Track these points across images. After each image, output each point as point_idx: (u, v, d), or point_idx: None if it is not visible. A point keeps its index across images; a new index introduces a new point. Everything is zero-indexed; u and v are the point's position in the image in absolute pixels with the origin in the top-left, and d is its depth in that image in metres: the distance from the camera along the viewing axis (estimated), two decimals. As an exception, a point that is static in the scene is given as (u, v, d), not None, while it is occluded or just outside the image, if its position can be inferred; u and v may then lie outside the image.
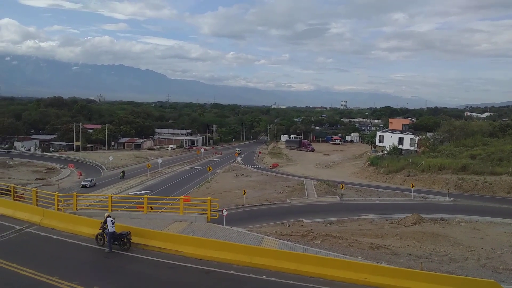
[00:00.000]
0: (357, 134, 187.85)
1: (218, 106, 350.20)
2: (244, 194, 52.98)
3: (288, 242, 23.37)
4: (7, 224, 21.34)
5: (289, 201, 54.63)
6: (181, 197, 25.03)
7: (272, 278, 16.21)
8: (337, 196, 56.32)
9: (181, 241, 18.58)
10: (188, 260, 17.64)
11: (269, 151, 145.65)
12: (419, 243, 30.97)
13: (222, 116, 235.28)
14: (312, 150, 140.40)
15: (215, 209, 25.63)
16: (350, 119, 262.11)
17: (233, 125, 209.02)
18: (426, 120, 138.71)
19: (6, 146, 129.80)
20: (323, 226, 39.66)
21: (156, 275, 16.36)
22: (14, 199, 24.60)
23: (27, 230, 20.75)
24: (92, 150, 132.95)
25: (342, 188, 57.59)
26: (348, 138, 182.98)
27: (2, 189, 26.68)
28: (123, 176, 79.73)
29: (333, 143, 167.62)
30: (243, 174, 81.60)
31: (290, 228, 37.25)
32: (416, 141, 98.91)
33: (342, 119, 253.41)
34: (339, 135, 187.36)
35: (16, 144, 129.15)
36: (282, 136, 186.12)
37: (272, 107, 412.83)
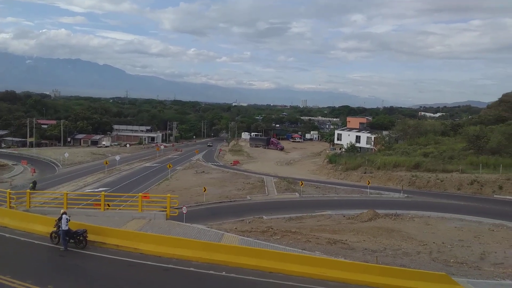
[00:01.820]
0: (317, 132, 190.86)
1: (178, 102, 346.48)
2: (204, 191, 52.76)
3: (248, 238, 23.57)
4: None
5: (250, 198, 54.86)
6: (140, 194, 24.70)
7: (232, 274, 16.36)
8: (296, 193, 57.06)
9: (139, 239, 18.40)
10: (147, 257, 17.50)
11: (230, 148, 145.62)
12: (375, 238, 31.92)
13: (182, 113, 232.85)
14: (282, 149, 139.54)
15: (175, 206, 25.45)
16: (310, 117, 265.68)
17: (193, 122, 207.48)
18: (382, 119, 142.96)
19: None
20: (283, 222, 40.13)
21: (113, 273, 16.15)
22: (-39, 197, 23.51)
23: (-24, 229, 19.93)
24: (46, 146, 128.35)
25: (301, 185, 58.41)
26: (307, 136, 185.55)
27: (-51, 187, 25.42)
28: (33, 187, 56.29)
29: (293, 141, 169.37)
30: (203, 171, 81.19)
31: (250, 225, 37.47)
32: (373, 139, 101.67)
33: (302, 117, 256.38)
34: (299, 133, 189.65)
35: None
36: (243, 133, 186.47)
37: (233, 104, 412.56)
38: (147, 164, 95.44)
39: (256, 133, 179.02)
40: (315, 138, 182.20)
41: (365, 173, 72.01)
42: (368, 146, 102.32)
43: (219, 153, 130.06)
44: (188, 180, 71.18)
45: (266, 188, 60.58)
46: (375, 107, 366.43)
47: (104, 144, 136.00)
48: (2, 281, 14.41)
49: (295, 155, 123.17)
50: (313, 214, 44.43)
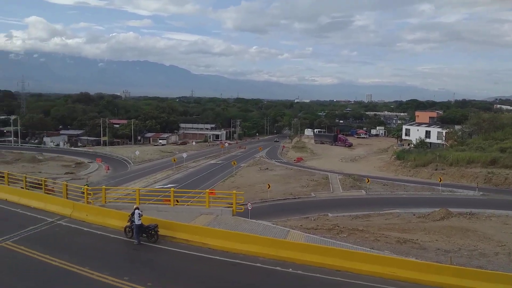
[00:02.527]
0: (383, 127, 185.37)
1: (241, 100, 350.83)
2: (268, 188, 53.00)
3: (314, 236, 23.33)
4: (39, 216, 21.97)
5: (314, 195, 54.38)
6: (207, 190, 25.24)
7: (299, 271, 16.23)
8: (362, 190, 55.76)
9: (207, 234, 18.77)
10: (214, 252, 17.82)
11: (293, 145, 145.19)
12: (448, 238, 30.40)
13: (245, 110, 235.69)
14: (350, 145, 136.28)
15: (240, 203, 25.73)
16: (375, 112, 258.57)
17: (256, 119, 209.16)
18: (453, 113, 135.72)
19: (36, 141, 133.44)
20: (349, 220, 39.36)
21: (183, 266, 16.60)
22: (45, 193, 25.28)
23: (58, 222, 21.32)
24: (118, 144, 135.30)
25: (367, 182, 56.95)
26: (373, 131, 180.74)
27: (34, 183, 27.44)
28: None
29: (358, 137, 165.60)
30: (267, 168, 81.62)
31: (316, 222, 37.10)
32: (444, 134, 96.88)
33: (367, 113, 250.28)
34: (364, 128, 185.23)
35: (45, 139, 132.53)
36: (306, 130, 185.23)
37: (296, 101, 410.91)
38: (212, 161, 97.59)
39: (319, 130, 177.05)
40: (381, 133, 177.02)
41: (436, 169, 68.85)
42: (439, 141, 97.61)
43: (282, 150, 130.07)
44: (252, 177, 71.87)
45: (331, 185, 59.73)
46: (445, 100, 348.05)
47: (160, 143, 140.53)
48: (81, 272, 15.30)
49: (361, 151, 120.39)
50: (380, 212, 43.20)
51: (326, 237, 24.56)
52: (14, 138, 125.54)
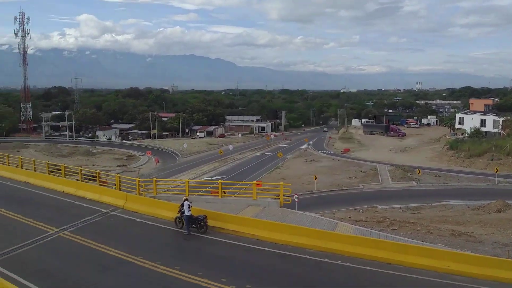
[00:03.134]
0: (434, 116, 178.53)
1: (286, 92, 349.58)
2: (315, 179, 52.60)
3: (363, 228, 22.91)
4: (94, 207, 22.92)
5: (362, 186, 53.45)
6: (254, 182, 25.34)
7: (348, 264, 15.99)
8: (413, 182, 54.18)
9: (255, 225, 18.86)
10: (263, 243, 17.87)
11: (339, 136, 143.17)
12: (505, 231, 28.93)
13: (291, 101, 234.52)
14: (403, 136, 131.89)
15: (287, 194, 25.68)
16: (426, 101, 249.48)
17: (302, 110, 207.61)
18: (511, 100, 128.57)
19: (89, 135, 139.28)
20: (399, 212, 38.38)
21: (233, 257, 16.77)
22: (99, 184, 26.31)
23: (112, 213, 22.15)
24: (167, 137, 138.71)
25: (418, 173, 55.20)
26: (424, 121, 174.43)
27: (88, 175, 28.62)
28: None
29: (408, 127, 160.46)
30: (313, 160, 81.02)
31: (365, 214, 36.48)
32: (501, 122, 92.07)
33: (417, 101, 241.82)
34: (415, 118, 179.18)
35: (98, 133, 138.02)
36: (353, 120, 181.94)
37: (342, 91, 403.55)
38: (258, 153, 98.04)
39: (367, 120, 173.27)
40: (433, 123, 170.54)
41: (492, 159, 65.72)
42: (495, 130, 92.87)
43: (329, 141, 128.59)
44: (299, 168, 71.60)
45: (379, 176, 58.48)
46: (502, 87, 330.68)
47: (198, 136, 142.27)
48: (135, 262, 15.82)
49: (411, 141, 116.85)
50: (433, 204, 41.86)
51: (376, 229, 24.03)
52: (69, 133, 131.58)
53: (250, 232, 18.64)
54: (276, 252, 17.12)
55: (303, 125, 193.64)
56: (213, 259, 16.54)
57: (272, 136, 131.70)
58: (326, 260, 16.33)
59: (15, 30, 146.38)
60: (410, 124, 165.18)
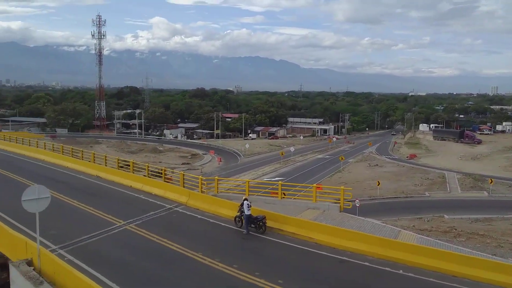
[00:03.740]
0: (510, 123, 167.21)
1: (351, 94, 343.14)
2: (378, 185, 51.19)
3: (428, 238, 21.99)
4: (158, 202, 23.87)
5: (428, 194, 51.25)
6: (314, 185, 25.14)
7: (410, 274, 15.40)
8: (484, 192, 51.11)
9: (314, 228, 18.69)
10: (321, 247, 17.68)
11: (406, 141, 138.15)
12: None
13: (355, 104, 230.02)
14: (479, 143, 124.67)
15: (348, 199, 25.23)
16: (502, 106, 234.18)
17: (366, 113, 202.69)
18: None
19: (157, 133, 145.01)
20: (468, 223, 36.37)
21: (290, 259, 16.74)
22: (164, 181, 27.31)
23: (175, 209, 22.93)
24: (230, 137, 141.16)
25: (491, 183, 51.97)
26: (498, 127, 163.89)
27: (155, 172, 29.80)
28: None
29: (480, 133, 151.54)
30: (377, 165, 78.88)
31: (430, 224, 34.97)
32: None
33: (491, 107, 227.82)
34: (488, 124, 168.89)
35: (165, 131, 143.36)
36: (420, 125, 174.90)
37: (410, 94, 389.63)
38: (320, 156, 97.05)
39: (436, 125, 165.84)
40: (508, 130, 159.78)
41: None
42: None
43: (394, 145, 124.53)
44: (361, 173, 70.02)
45: (447, 184, 55.78)
46: None
47: (250, 137, 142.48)
48: (195, 257, 16.27)
49: (483, 149, 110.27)
50: (505, 216, 39.24)
51: (441, 240, 22.99)
52: (139, 130, 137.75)
53: (308, 235, 18.52)
54: (335, 257, 16.87)
55: (367, 128, 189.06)
56: (271, 260, 16.62)
57: (334, 139, 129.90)
58: (387, 268, 15.84)
59: (93, 32, 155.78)
60: (483, 131, 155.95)
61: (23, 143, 43.49)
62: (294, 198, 25.68)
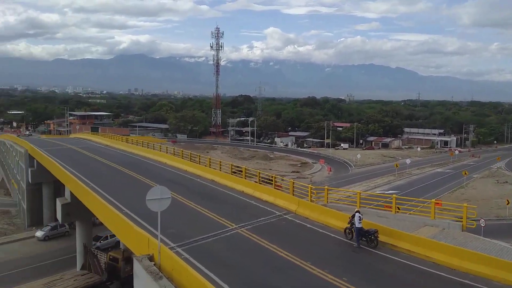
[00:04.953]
0: None
1: (476, 103, 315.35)
2: (507, 204, 46.07)
3: None
4: (268, 209, 24.25)
5: None
6: (433, 200, 23.40)
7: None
8: None
9: (433, 247, 17.34)
10: (439, 268, 16.34)
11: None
12: None
13: (481, 115, 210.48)
14: None
15: (471, 218, 23.01)
16: None
17: (494, 125, 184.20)
18: None
19: (268, 141, 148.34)
20: None
21: (405, 277, 15.73)
22: (274, 188, 27.67)
23: (284, 216, 23.06)
24: (349, 147, 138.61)
25: None
26: None
27: (265, 178, 30.35)
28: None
29: None
30: (506, 182, 71.17)
31: None
32: None
33: None
34: None
35: (276, 139, 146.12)
36: None
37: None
38: (439, 170, 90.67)
39: None
40: None
41: None
42: None
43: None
44: (487, 190, 63.87)
45: None
46: None
47: (342, 147, 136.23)
48: (303, 266, 16.11)
49: None
50: None
51: None
52: (251, 138, 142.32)
53: (425, 253, 17.25)
54: (455, 279, 15.45)
55: (495, 141, 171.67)
56: (382, 276, 15.79)
57: (456, 152, 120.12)
58: (517, 298, 14.09)
59: (211, 44, 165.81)
60: None
61: (148, 147, 47.47)
62: (410, 214, 24.18)
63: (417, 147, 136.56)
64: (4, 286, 31.70)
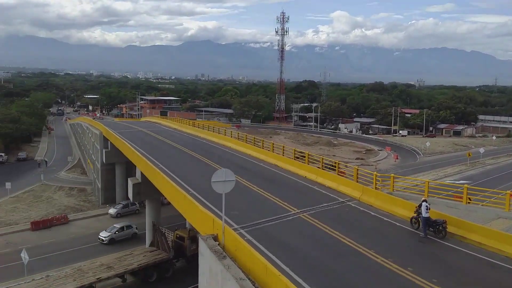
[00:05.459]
0: None
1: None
2: None
3: None
4: (331, 195, 24.09)
5: None
6: (508, 192, 21.99)
7: None
8: None
9: (506, 240, 16.39)
10: (513, 263, 15.45)
11: None
12: None
13: None
14: None
15: (552, 211, 21.37)
16: None
17: None
18: None
19: (332, 127, 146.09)
20: None
21: (474, 270, 15.05)
22: (337, 174, 27.36)
23: (348, 203, 22.81)
24: (409, 134, 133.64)
25: None
26: None
27: (328, 165, 30.06)
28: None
29: None
30: None
31: None
32: None
33: None
34: None
35: (340, 125, 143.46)
36: None
37: None
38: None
39: None
40: None
41: None
42: None
43: None
44: None
45: None
46: None
47: (400, 134, 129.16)
48: (366, 254, 15.90)
49: None
50: None
51: None
52: (314, 123, 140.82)
53: (498, 247, 16.36)
54: (531, 276, 14.55)
55: None
56: (451, 268, 15.21)
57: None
58: None
59: (276, 29, 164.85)
60: None
61: (213, 131, 48.64)
62: (482, 205, 22.94)
63: (492, 136, 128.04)
64: (80, 259, 34.23)
